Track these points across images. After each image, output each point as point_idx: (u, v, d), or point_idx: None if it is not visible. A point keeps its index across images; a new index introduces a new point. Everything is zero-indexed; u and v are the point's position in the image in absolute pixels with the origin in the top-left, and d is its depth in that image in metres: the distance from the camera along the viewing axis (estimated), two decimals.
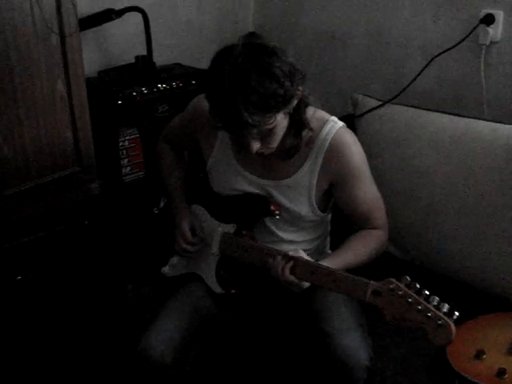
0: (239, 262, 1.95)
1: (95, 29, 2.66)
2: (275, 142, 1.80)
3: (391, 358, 1.97)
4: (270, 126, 1.71)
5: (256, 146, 1.76)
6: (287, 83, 1.67)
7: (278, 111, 1.70)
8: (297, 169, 1.92)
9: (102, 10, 2.63)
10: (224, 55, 1.68)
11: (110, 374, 2.34)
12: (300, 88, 1.75)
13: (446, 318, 1.54)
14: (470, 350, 1.87)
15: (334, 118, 1.93)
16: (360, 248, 1.91)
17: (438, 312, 1.55)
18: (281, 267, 1.79)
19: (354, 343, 1.77)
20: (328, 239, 2.17)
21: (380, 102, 2.53)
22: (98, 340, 2.42)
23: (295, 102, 1.76)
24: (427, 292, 1.58)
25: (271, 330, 2.04)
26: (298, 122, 1.84)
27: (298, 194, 1.94)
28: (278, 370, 1.98)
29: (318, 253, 2.10)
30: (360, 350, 1.76)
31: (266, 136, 1.75)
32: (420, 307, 1.56)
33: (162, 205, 2.27)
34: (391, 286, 1.61)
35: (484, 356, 1.84)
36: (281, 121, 1.75)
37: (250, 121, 1.63)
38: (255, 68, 1.63)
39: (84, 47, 2.31)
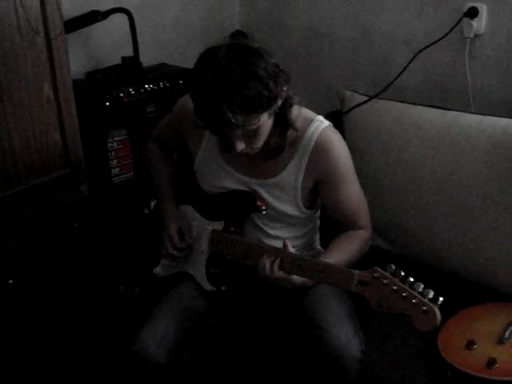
0: (229, 259, 1.97)
1: (81, 31, 2.66)
2: (260, 142, 1.81)
3: (383, 351, 1.98)
4: (254, 127, 1.72)
5: (240, 146, 1.77)
6: (271, 84, 1.68)
7: (262, 112, 1.71)
8: (282, 168, 1.93)
9: (87, 11, 2.63)
10: (208, 56, 1.69)
11: (104, 375, 2.34)
12: (284, 88, 1.76)
13: (430, 304, 1.55)
14: (460, 340, 1.89)
15: (320, 117, 1.94)
16: (346, 251, 1.92)
17: (422, 298, 1.56)
18: (269, 267, 1.79)
19: (345, 336, 1.79)
20: (317, 235, 2.19)
21: (367, 98, 2.53)
22: (92, 341, 2.42)
23: (279, 102, 1.77)
24: (412, 279, 1.59)
25: (263, 326, 2.05)
26: (282, 122, 1.85)
27: (284, 193, 1.95)
28: (272, 365, 1.99)
29: (308, 248, 2.11)
30: (351, 342, 1.78)
31: (250, 136, 1.77)
32: (405, 294, 1.57)
33: (152, 205, 2.28)
34: (376, 275, 1.63)
35: (474, 346, 1.85)
36: (265, 121, 1.76)
37: (233, 121, 1.64)
38: (239, 69, 1.64)
39: (70, 49, 2.30)
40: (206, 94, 1.65)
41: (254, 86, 1.64)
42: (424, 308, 1.55)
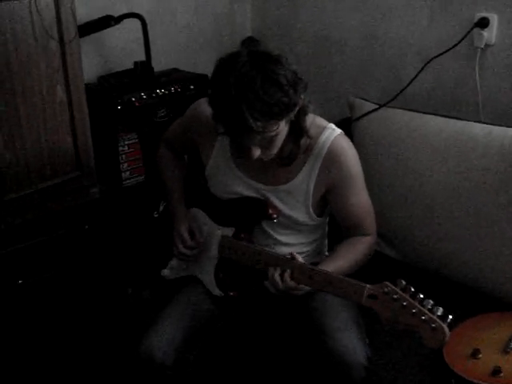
0: (238, 265, 1.97)
1: (94, 35, 2.68)
2: (275, 149, 1.83)
3: (388, 358, 1.98)
4: (273, 133, 1.74)
5: (257, 152, 1.78)
6: (291, 91, 1.70)
7: (281, 118, 1.73)
8: (294, 175, 1.94)
9: (100, 16, 2.65)
10: (229, 62, 1.71)
11: (112, 377, 2.35)
12: (302, 96, 1.78)
13: (439, 322, 1.56)
14: (466, 349, 1.89)
15: (332, 125, 1.96)
16: (351, 255, 1.94)
17: (432, 315, 1.57)
18: (279, 277, 1.80)
19: (351, 342, 1.80)
20: (326, 241, 2.20)
21: (376, 106, 2.55)
22: (100, 343, 2.43)
23: (297, 109, 1.79)
24: (422, 295, 1.60)
25: (270, 331, 2.05)
26: (297, 130, 1.87)
27: (295, 200, 1.96)
28: (278, 370, 2.00)
29: (316, 254, 2.12)
30: (357, 349, 1.79)
31: (267, 142, 1.78)
32: (414, 310, 1.58)
33: (161, 209, 2.29)
34: (386, 290, 1.63)
35: (480, 355, 1.85)
36: (282, 128, 1.78)
37: (254, 127, 1.66)
38: (261, 75, 1.66)
39: (83, 53, 2.33)
40: (227, 99, 1.66)
41: (274, 93, 1.66)
42: (433, 325, 1.56)
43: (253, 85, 1.65)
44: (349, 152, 1.94)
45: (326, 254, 2.19)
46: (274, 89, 1.67)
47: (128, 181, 2.74)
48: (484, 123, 2.32)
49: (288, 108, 1.72)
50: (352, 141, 2.11)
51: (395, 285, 1.63)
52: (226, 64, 1.72)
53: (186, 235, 2.09)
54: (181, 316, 1.98)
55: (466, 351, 1.88)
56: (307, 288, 1.82)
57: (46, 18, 2.13)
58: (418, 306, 1.58)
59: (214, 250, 2.04)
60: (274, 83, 1.67)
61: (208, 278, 2.05)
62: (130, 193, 2.73)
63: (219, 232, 2.04)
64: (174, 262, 2.19)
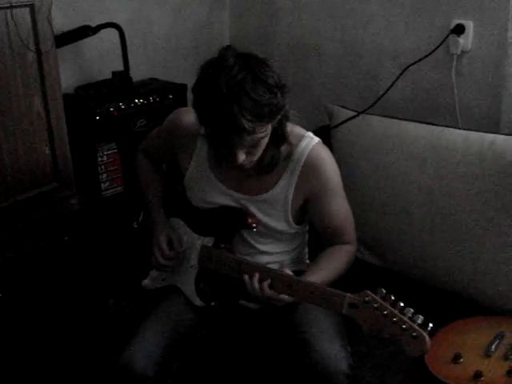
0: (218, 275, 1.97)
1: (72, 45, 2.67)
2: (258, 154, 1.83)
3: (370, 365, 1.99)
4: (263, 135, 1.74)
5: (242, 157, 1.77)
6: (279, 93, 1.71)
7: (270, 120, 1.73)
8: (273, 184, 1.94)
9: (78, 26, 2.64)
10: (217, 65, 1.70)
11: None
12: (286, 101, 1.79)
13: (420, 330, 1.56)
14: (447, 353, 1.90)
15: (310, 134, 1.96)
16: (333, 265, 1.94)
17: (412, 324, 1.57)
18: (258, 286, 1.80)
19: (333, 351, 1.79)
20: (306, 249, 2.19)
21: (355, 113, 2.56)
22: (80, 355, 2.42)
23: (281, 114, 1.79)
24: (402, 304, 1.60)
25: (252, 341, 2.05)
26: (278, 136, 1.87)
27: (274, 209, 1.96)
28: (260, 380, 1.99)
29: (297, 263, 2.12)
30: (339, 357, 1.78)
31: (252, 146, 1.78)
32: (395, 319, 1.58)
33: (141, 219, 2.28)
34: (367, 299, 1.63)
35: (461, 360, 1.87)
36: (268, 132, 1.78)
37: (246, 127, 1.66)
38: (251, 76, 1.66)
39: (61, 64, 2.32)
40: (218, 101, 1.65)
41: (264, 94, 1.67)
42: (414, 334, 1.56)
43: (244, 85, 1.65)
44: (327, 161, 1.94)
45: (307, 261, 2.19)
46: (264, 90, 1.67)
47: (107, 191, 2.73)
48: (461, 129, 2.34)
49: (277, 110, 1.73)
50: (331, 148, 2.13)
51: (375, 293, 1.63)
52: (213, 66, 1.71)
53: (164, 246, 2.08)
54: (162, 326, 1.96)
55: (448, 355, 1.90)
56: (287, 298, 1.82)
57: (23, 28, 2.12)
58: (399, 314, 1.59)
59: (193, 260, 2.03)
60: (263, 84, 1.68)
61: (189, 287, 2.04)
62: (109, 203, 2.73)
63: (199, 242, 2.03)
64: (154, 273, 2.17)
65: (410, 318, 1.58)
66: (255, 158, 1.83)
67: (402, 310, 1.60)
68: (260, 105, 1.66)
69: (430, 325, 1.58)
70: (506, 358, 1.86)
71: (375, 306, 1.62)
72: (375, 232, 2.44)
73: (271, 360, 1.98)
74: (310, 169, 1.91)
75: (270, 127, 1.77)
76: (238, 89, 1.65)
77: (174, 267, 2.10)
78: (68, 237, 2.36)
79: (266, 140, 1.81)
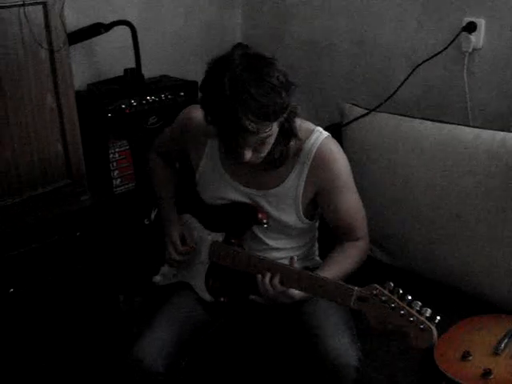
0: (228, 270, 1.98)
1: (84, 43, 2.69)
2: (265, 151, 1.84)
3: (379, 362, 1.99)
4: (266, 134, 1.75)
5: (248, 155, 1.79)
6: (284, 93, 1.72)
7: (275, 120, 1.74)
8: (283, 179, 1.95)
9: (90, 24, 2.66)
10: (223, 64, 1.71)
11: (103, 383, 2.36)
12: (292, 98, 1.79)
13: (428, 323, 1.57)
14: (456, 351, 1.90)
15: (319, 128, 1.97)
16: (344, 261, 1.95)
17: (420, 317, 1.58)
18: (269, 281, 1.82)
19: (342, 345, 1.81)
20: (316, 246, 2.20)
21: (366, 111, 2.55)
22: (92, 349, 2.44)
23: (287, 112, 1.80)
24: (410, 297, 1.62)
25: (262, 336, 2.06)
26: (287, 132, 1.88)
27: (285, 204, 1.97)
28: (270, 374, 2.00)
29: (307, 259, 2.13)
30: (349, 351, 1.80)
31: (258, 145, 1.79)
32: (403, 312, 1.60)
33: (152, 216, 2.30)
34: (375, 292, 1.65)
35: (470, 357, 1.86)
36: (274, 130, 1.79)
37: (249, 128, 1.67)
38: (254, 77, 1.67)
39: (73, 61, 2.34)
40: (221, 101, 1.67)
41: (268, 94, 1.68)
42: (421, 326, 1.57)
43: (247, 86, 1.66)
44: (337, 154, 1.95)
45: (317, 258, 2.20)
46: (267, 90, 1.68)
47: (119, 188, 2.74)
48: (472, 127, 2.33)
49: (281, 109, 1.73)
50: (342, 146, 2.13)
51: (384, 287, 1.65)
52: (219, 66, 1.72)
53: (177, 241, 2.09)
54: (172, 322, 1.98)
55: (457, 354, 1.89)
56: (296, 296, 1.83)
57: (36, 26, 2.13)
58: (407, 307, 1.60)
59: (204, 256, 2.05)
60: (267, 84, 1.68)
61: (199, 283, 2.06)
62: (121, 200, 2.73)
63: (210, 237, 2.05)
64: (165, 269, 2.19)
65: (417, 311, 1.59)
66: (263, 154, 1.84)
67: (409, 303, 1.61)
68: (263, 105, 1.67)
69: (438, 317, 1.59)
70: None
71: (383, 299, 1.63)
72: (385, 230, 2.43)
73: (281, 355, 1.99)
74: (320, 162, 1.92)
75: (275, 126, 1.78)
76: (241, 90, 1.65)
77: (186, 263, 2.11)
78: (80, 233, 2.38)
79: (273, 138, 1.82)
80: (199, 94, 1.79)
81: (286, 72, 1.76)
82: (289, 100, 1.75)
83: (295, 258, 1.86)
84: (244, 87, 1.66)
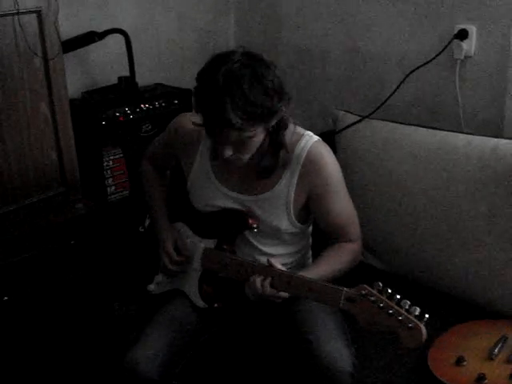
0: (221, 277, 1.98)
1: (78, 51, 2.70)
2: (248, 154, 1.84)
3: (373, 368, 1.99)
4: (250, 134, 1.76)
5: (228, 152, 1.80)
6: (275, 98, 1.74)
7: (260, 122, 1.75)
8: (274, 183, 1.96)
9: (84, 32, 2.67)
10: (223, 57, 1.74)
11: None
12: (283, 108, 1.80)
13: (416, 321, 1.58)
14: (450, 357, 1.91)
15: (309, 133, 1.98)
16: (334, 262, 1.95)
17: (408, 315, 1.59)
18: (260, 285, 1.82)
19: (337, 350, 1.81)
20: (310, 252, 2.20)
21: (359, 118, 2.57)
22: (86, 357, 2.43)
23: (276, 120, 1.81)
24: (398, 296, 1.62)
25: (256, 342, 2.06)
26: (276, 143, 1.89)
27: (277, 208, 1.97)
28: (265, 380, 2.00)
29: (300, 266, 2.12)
30: (343, 356, 1.80)
31: (241, 145, 1.80)
32: (391, 311, 1.60)
33: (147, 223, 2.30)
34: (363, 292, 1.65)
35: (464, 362, 1.87)
36: (259, 134, 1.80)
37: (234, 122, 1.68)
38: (250, 75, 1.69)
39: (67, 69, 2.34)
40: (213, 90, 1.69)
41: (258, 95, 1.70)
42: (410, 325, 1.58)
43: (241, 81, 1.68)
44: (327, 158, 1.96)
45: None
46: (260, 90, 1.70)
47: (113, 196, 2.75)
48: (465, 133, 2.35)
49: (269, 113, 1.75)
50: (335, 152, 2.14)
51: (372, 287, 1.65)
52: (219, 58, 1.75)
53: (172, 251, 2.09)
54: (166, 329, 1.97)
55: (451, 359, 1.90)
56: (285, 295, 1.84)
57: (30, 35, 2.14)
58: (395, 306, 1.60)
59: (197, 263, 2.05)
60: (261, 85, 1.70)
61: (192, 290, 2.06)
62: (115, 208, 2.74)
63: (202, 245, 2.05)
64: (159, 277, 2.18)
65: (406, 310, 1.60)
66: (244, 156, 1.85)
67: (398, 302, 1.62)
68: (252, 104, 1.69)
69: (427, 316, 1.59)
70: (508, 361, 1.87)
71: (372, 299, 1.64)
72: (379, 236, 2.45)
73: (275, 361, 1.99)
74: (310, 165, 1.93)
75: (261, 130, 1.79)
76: (234, 83, 1.68)
77: (181, 272, 2.11)
78: (74, 241, 2.38)
79: (257, 141, 1.82)
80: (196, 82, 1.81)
81: (282, 81, 1.78)
82: (279, 107, 1.76)
83: (273, 259, 1.86)
84: (238, 81, 1.68)
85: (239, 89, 1.67)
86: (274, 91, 1.73)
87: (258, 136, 1.80)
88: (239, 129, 1.71)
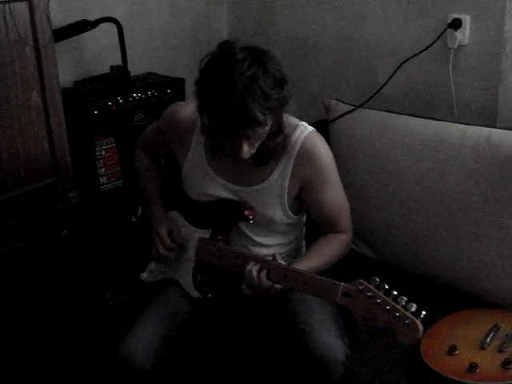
0: (216, 267, 1.98)
1: (70, 40, 2.68)
2: (257, 146, 1.84)
3: (366, 358, 2.00)
4: (268, 127, 1.78)
5: (246, 149, 1.79)
6: (285, 86, 1.76)
7: (279, 112, 1.78)
8: (268, 174, 1.96)
9: (76, 21, 2.65)
10: (226, 60, 1.72)
11: (91, 380, 2.35)
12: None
13: (413, 318, 1.58)
14: (442, 346, 1.91)
15: (304, 123, 1.97)
16: (326, 252, 1.96)
17: (405, 312, 1.59)
18: (256, 276, 1.82)
19: (330, 340, 1.81)
20: (303, 243, 2.21)
21: (352, 107, 2.57)
22: (79, 347, 2.43)
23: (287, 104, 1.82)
24: (395, 292, 1.62)
25: (250, 332, 2.06)
26: (276, 128, 1.88)
27: (271, 199, 1.97)
28: (258, 370, 2.00)
29: (294, 256, 2.12)
30: (336, 346, 1.80)
31: (255, 139, 1.80)
32: (388, 307, 1.60)
33: (139, 213, 2.29)
34: (360, 287, 1.65)
35: (456, 352, 1.87)
36: (270, 124, 1.80)
37: (260, 119, 1.69)
38: (261, 70, 1.70)
39: (59, 58, 2.33)
40: (232, 94, 1.67)
41: (274, 87, 1.71)
42: (407, 321, 1.58)
43: (256, 79, 1.68)
44: (321, 148, 1.95)
45: None
46: (273, 83, 1.71)
47: (106, 185, 2.74)
48: (458, 123, 2.34)
49: (283, 101, 1.76)
50: (328, 142, 2.14)
51: (369, 282, 1.65)
52: (222, 61, 1.73)
53: (165, 237, 2.09)
54: (159, 319, 1.97)
55: (443, 348, 1.90)
56: (281, 288, 1.85)
57: (21, 23, 2.13)
58: (392, 302, 1.61)
59: (191, 253, 2.05)
60: (272, 77, 1.72)
61: (186, 280, 2.05)
62: (107, 197, 2.73)
63: (196, 234, 2.05)
64: (152, 266, 2.19)
65: (403, 306, 1.60)
66: (254, 150, 1.84)
67: (395, 298, 1.62)
68: (271, 98, 1.70)
69: (423, 312, 1.60)
70: (500, 350, 1.87)
71: (369, 294, 1.64)
72: (371, 225, 2.45)
73: (269, 350, 1.99)
74: (305, 156, 1.92)
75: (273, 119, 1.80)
76: (251, 82, 1.68)
77: (173, 259, 2.11)
78: (66, 231, 2.37)
79: (267, 132, 1.82)
80: (197, 90, 1.79)
81: (282, 64, 1.79)
82: (289, 93, 1.78)
83: (278, 254, 1.87)
84: (255, 81, 1.68)
85: (258, 88, 1.68)
86: (282, 78, 1.75)
87: (269, 126, 1.81)
88: (264, 124, 1.73)
